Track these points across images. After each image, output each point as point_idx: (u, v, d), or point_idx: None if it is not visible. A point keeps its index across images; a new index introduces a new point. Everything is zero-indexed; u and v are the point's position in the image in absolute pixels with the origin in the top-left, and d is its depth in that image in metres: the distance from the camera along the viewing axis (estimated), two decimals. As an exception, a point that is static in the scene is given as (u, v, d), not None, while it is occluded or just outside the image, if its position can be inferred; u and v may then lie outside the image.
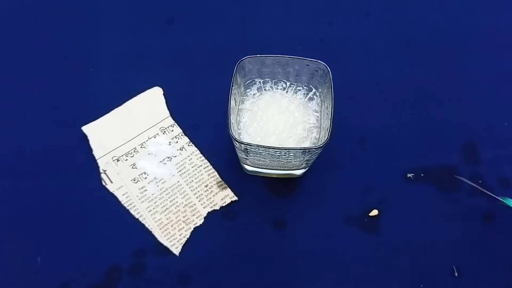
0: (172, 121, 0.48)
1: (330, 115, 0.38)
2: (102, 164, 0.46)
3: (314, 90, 0.43)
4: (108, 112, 0.48)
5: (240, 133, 0.42)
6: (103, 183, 0.46)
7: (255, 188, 0.46)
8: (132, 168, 0.46)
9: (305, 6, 0.55)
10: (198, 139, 0.48)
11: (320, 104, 0.43)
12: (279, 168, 0.44)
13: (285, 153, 0.38)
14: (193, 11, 0.54)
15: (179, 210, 0.45)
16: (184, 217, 0.45)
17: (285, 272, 0.44)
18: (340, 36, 0.53)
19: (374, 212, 0.45)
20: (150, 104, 0.49)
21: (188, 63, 0.52)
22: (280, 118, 0.42)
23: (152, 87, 0.50)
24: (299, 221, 0.45)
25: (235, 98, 0.42)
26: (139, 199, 0.45)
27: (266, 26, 0.54)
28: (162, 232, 0.44)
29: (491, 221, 0.45)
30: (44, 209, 0.45)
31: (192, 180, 0.46)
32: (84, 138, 0.47)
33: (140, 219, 0.44)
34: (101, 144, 0.47)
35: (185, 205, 0.45)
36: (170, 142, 0.47)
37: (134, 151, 0.47)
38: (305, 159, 0.40)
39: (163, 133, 0.48)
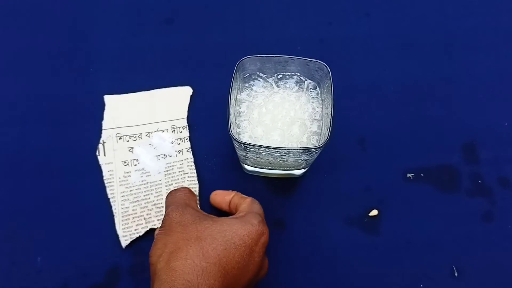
0: (186, 123, 0.48)
1: (330, 115, 0.38)
2: (105, 135, 0.47)
3: (314, 86, 0.43)
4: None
5: (239, 132, 0.42)
6: (97, 153, 0.46)
7: (255, 188, 0.46)
8: (129, 151, 0.47)
9: (305, 6, 0.55)
10: (198, 139, 0.48)
11: (320, 103, 0.43)
12: (279, 168, 0.44)
13: (285, 153, 0.38)
14: (193, 11, 0.54)
15: (146, 206, 0.45)
16: (147, 215, 0.45)
17: (285, 272, 0.44)
18: (340, 36, 0.53)
19: (374, 212, 0.45)
20: (176, 100, 0.49)
21: (188, 63, 0.52)
22: (280, 112, 0.42)
23: (184, 85, 0.50)
24: (299, 221, 0.45)
25: (235, 98, 0.42)
26: (119, 181, 0.46)
27: (266, 26, 0.54)
28: (122, 221, 0.44)
29: (491, 221, 0.45)
30: (44, 209, 0.45)
31: (171, 184, 0.46)
32: (85, 136, 0.47)
33: (111, 200, 0.45)
34: (113, 117, 0.48)
35: (154, 204, 0.45)
36: (173, 141, 0.47)
37: (138, 136, 0.47)
38: (305, 159, 0.40)
39: (172, 131, 0.48)
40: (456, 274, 0.44)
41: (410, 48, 0.53)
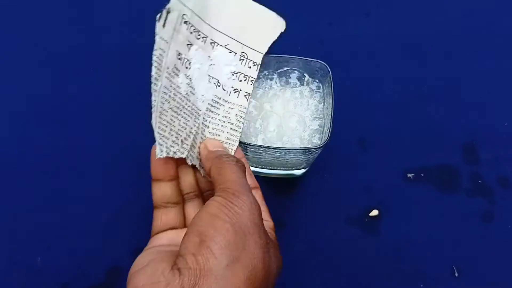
0: (260, 61, 0.37)
1: (330, 115, 0.38)
2: (173, 3, 0.32)
3: (314, 85, 0.43)
4: None
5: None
6: (157, 17, 0.32)
7: (255, 188, 0.46)
8: (187, 45, 0.34)
9: (305, 6, 0.55)
10: (198, 139, 0.48)
11: (322, 99, 0.43)
12: (279, 168, 0.44)
13: (285, 152, 0.38)
14: (193, 11, 0.54)
15: (185, 128, 0.34)
16: (185, 139, 0.34)
17: (284, 272, 0.44)
18: (340, 36, 0.53)
19: (374, 212, 0.45)
20: (263, 26, 0.37)
21: (188, 63, 0.51)
22: (279, 110, 0.42)
23: None
24: (299, 221, 0.45)
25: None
26: (167, 70, 0.33)
27: (266, 26, 0.53)
28: (159, 122, 0.32)
29: (491, 221, 0.45)
30: (44, 209, 0.45)
31: (208, 126, 0.36)
32: (85, 135, 0.47)
33: (153, 84, 0.32)
34: None
35: (191, 132, 0.34)
36: (234, 73, 0.36)
37: (203, 37, 0.35)
38: (306, 158, 0.40)
39: (240, 60, 0.36)
40: (456, 274, 0.44)
41: (410, 48, 0.53)
